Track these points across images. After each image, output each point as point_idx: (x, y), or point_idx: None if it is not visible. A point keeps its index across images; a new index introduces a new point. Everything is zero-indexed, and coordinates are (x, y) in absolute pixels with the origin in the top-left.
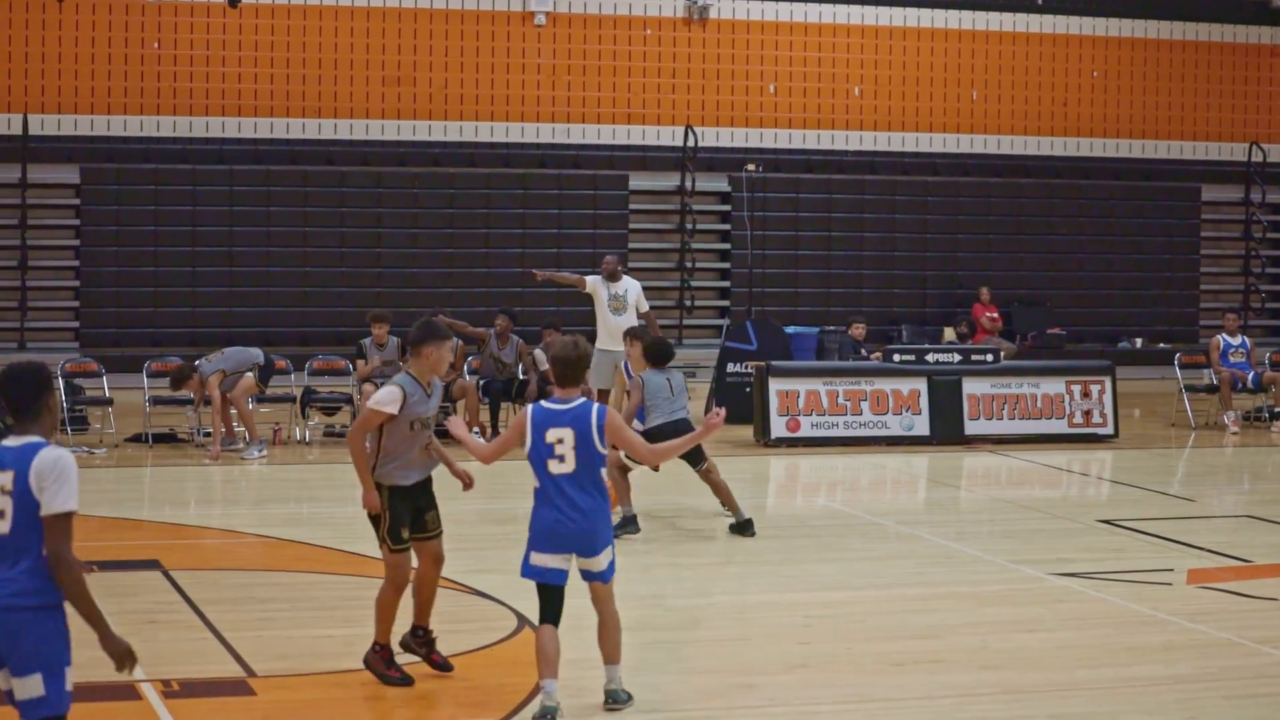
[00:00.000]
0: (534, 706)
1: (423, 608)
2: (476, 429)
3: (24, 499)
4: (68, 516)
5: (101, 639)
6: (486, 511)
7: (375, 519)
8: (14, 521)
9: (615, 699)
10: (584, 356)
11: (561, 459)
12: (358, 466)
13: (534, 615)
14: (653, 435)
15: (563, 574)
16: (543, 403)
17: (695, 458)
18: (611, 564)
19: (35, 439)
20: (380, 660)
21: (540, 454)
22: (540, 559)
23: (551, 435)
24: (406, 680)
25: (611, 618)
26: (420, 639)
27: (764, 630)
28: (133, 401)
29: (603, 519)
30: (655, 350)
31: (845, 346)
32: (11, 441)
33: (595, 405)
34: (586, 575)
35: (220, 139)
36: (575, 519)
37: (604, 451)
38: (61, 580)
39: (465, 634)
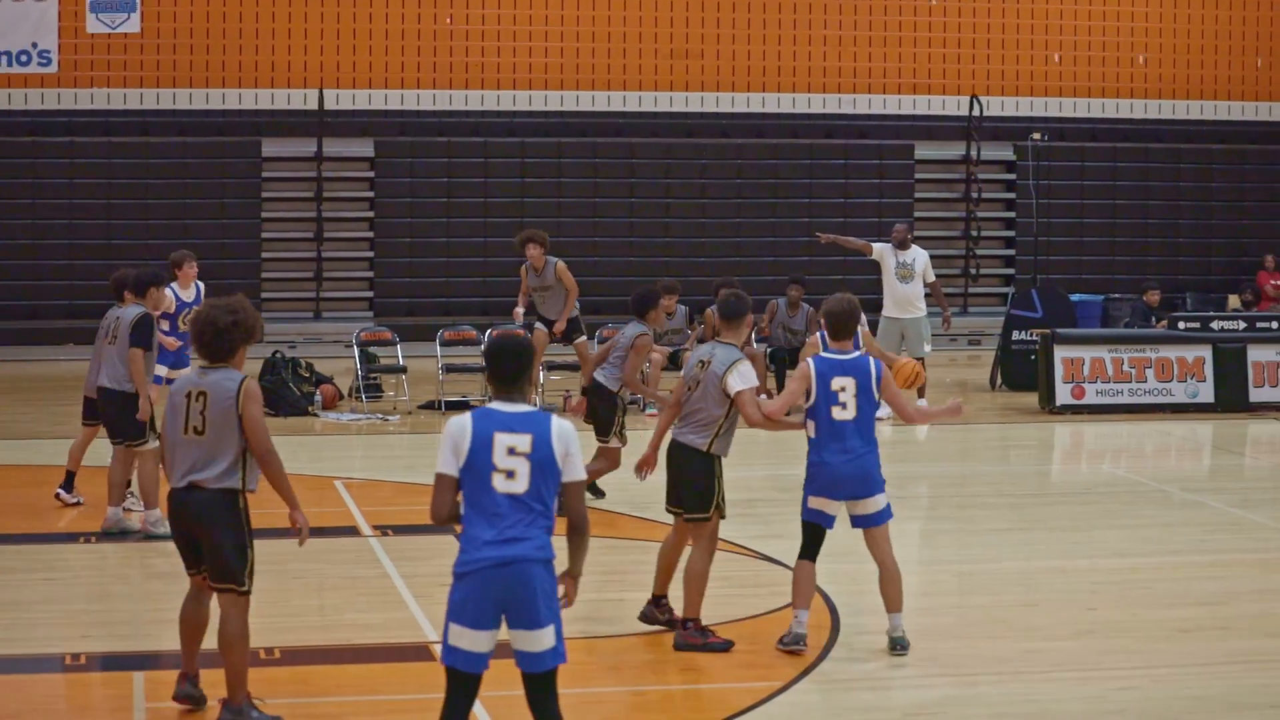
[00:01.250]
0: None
1: (668, 576)
2: (764, 395)
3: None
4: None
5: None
6: (774, 478)
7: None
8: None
9: (900, 645)
10: (855, 310)
11: (844, 406)
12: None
13: (821, 580)
14: None
15: (832, 519)
16: (823, 354)
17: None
18: (887, 508)
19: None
20: (697, 634)
21: (825, 401)
22: (818, 503)
23: (836, 383)
24: (728, 644)
25: (891, 565)
26: (664, 608)
27: (1050, 596)
28: (426, 369)
29: (876, 465)
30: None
31: (1137, 312)
32: (508, 407)
33: (871, 358)
34: (861, 522)
35: (511, 112)
36: (855, 463)
37: (879, 401)
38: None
39: (756, 599)
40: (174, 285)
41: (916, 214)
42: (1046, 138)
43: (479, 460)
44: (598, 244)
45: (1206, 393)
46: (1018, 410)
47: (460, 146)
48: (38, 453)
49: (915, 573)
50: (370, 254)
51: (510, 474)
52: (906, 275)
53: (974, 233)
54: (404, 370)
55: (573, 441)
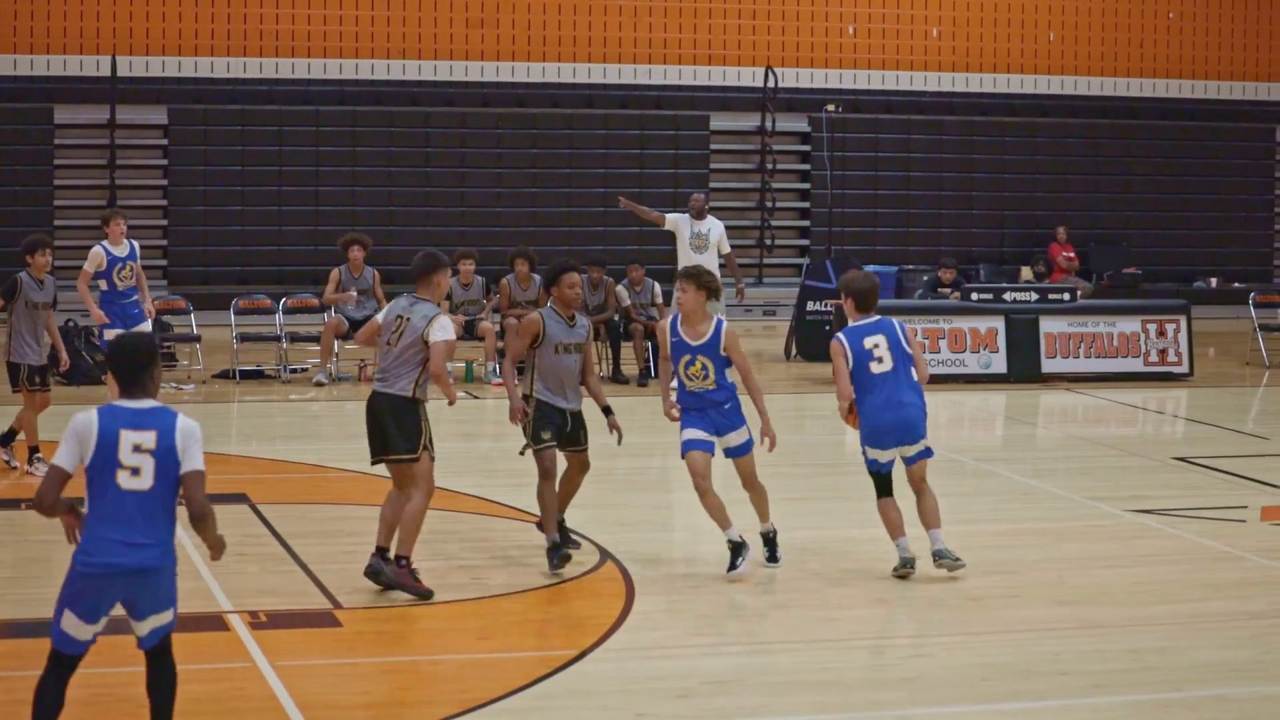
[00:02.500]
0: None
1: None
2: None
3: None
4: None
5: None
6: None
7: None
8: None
9: (943, 556)
10: (877, 284)
11: (880, 360)
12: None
13: (616, 549)
14: None
15: (891, 463)
16: (850, 325)
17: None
18: (929, 447)
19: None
20: (408, 574)
21: (862, 359)
22: (876, 454)
23: (868, 342)
24: (429, 593)
25: (929, 493)
26: (388, 560)
27: (845, 565)
28: (220, 339)
29: (921, 411)
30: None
31: (931, 284)
32: (134, 404)
33: (893, 319)
34: (906, 460)
35: (306, 80)
36: (902, 408)
37: (910, 352)
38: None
39: (546, 568)
40: (105, 243)
41: (712, 184)
42: (841, 109)
43: (104, 457)
44: (393, 213)
45: (999, 363)
46: (812, 380)
47: (255, 114)
48: None
49: (708, 543)
50: (164, 222)
51: (135, 470)
52: (701, 246)
53: (769, 204)
54: (198, 339)
55: (193, 436)
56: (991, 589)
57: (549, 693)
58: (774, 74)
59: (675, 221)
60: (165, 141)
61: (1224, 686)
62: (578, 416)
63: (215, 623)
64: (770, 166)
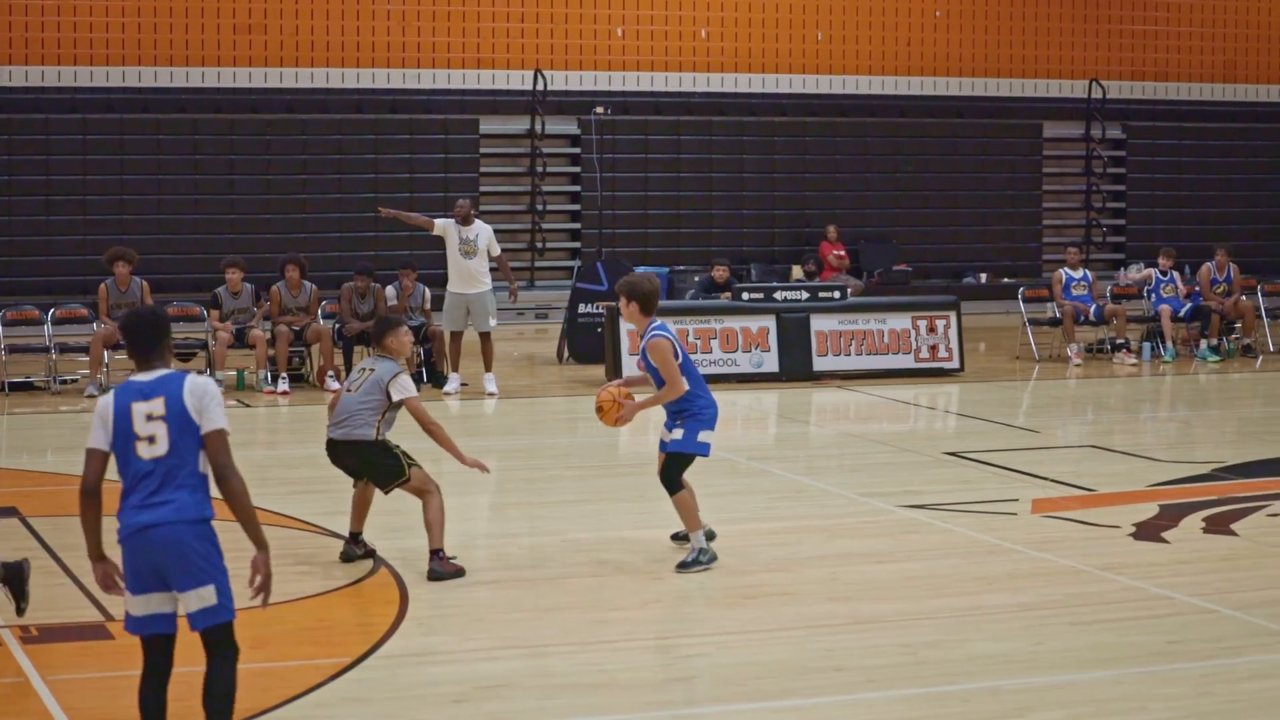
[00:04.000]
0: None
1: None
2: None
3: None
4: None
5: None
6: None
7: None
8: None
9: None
10: (658, 285)
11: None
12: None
13: (389, 554)
14: None
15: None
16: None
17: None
18: None
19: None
20: (444, 559)
21: (686, 355)
22: (708, 436)
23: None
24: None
25: None
26: (360, 543)
27: (619, 566)
28: None
29: None
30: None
31: (703, 284)
32: (144, 376)
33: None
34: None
35: (73, 88)
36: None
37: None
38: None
39: (321, 576)
40: None
41: (483, 188)
42: (610, 111)
43: (122, 432)
44: (162, 221)
45: (771, 362)
46: (585, 383)
47: (20, 123)
48: None
49: (484, 546)
50: None
51: (151, 439)
52: (470, 251)
53: (540, 206)
54: None
55: (207, 394)
56: (766, 587)
57: (324, 701)
58: (543, 76)
59: (444, 227)
60: None
61: (997, 678)
62: None
63: None
64: (540, 169)
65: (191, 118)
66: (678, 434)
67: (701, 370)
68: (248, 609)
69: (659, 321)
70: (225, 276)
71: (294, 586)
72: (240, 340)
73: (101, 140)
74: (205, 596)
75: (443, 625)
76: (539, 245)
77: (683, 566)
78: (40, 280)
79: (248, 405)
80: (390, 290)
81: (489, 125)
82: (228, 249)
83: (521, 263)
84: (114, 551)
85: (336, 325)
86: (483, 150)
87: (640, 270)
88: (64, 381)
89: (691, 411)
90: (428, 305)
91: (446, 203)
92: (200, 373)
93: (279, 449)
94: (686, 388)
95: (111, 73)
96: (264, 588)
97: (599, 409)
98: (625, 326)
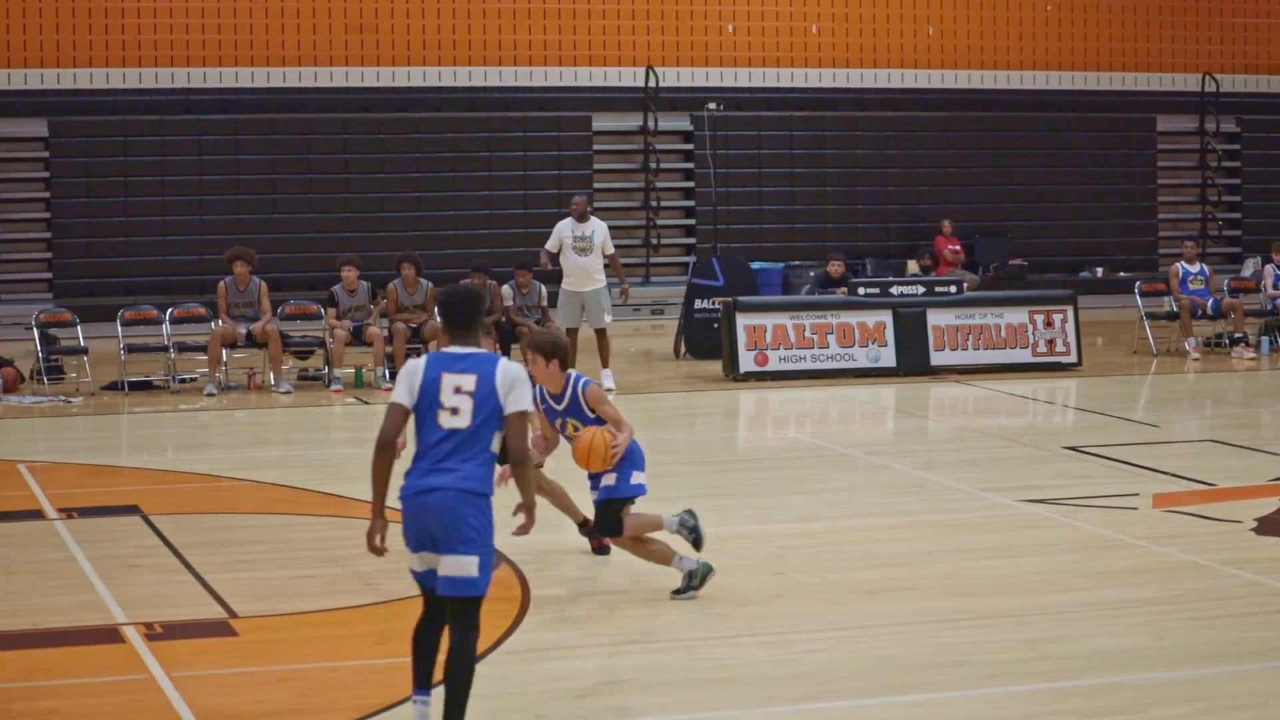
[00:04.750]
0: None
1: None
2: None
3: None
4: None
5: None
6: None
7: None
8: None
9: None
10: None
11: None
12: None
13: (510, 551)
14: None
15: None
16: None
17: None
18: None
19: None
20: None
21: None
22: (641, 477)
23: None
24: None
25: None
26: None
27: (739, 561)
28: (107, 350)
29: None
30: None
31: (819, 280)
32: (458, 350)
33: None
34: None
35: (186, 89)
36: None
37: None
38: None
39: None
40: None
41: (596, 185)
42: (722, 107)
43: (427, 398)
44: (277, 221)
45: (888, 357)
46: (702, 378)
47: (136, 125)
48: None
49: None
50: (47, 235)
51: (455, 410)
52: (584, 248)
53: (654, 203)
54: (85, 351)
55: (518, 379)
56: (887, 582)
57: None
58: (655, 73)
59: (558, 228)
60: (46, 154)
61: (1119, 674)
62: None
63: (109, 635)
64: (654, 166)
65: (306, 118)
66: (610, 479)
67: (818, 366)
68: (370, 604)
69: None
70: (341, 275)
71: (412, 584)
72: (357, 338)
73: (217, 141)
74: (466, 566)
75: (564, 621)
76: (654, 241)
77: (677, 593)
78: (158, 280)
79: (365, 402)
80: (506, 289)
81: (602, 122)
82: (343, 248)
83: (637, 259)
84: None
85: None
86: (596, 147)
87: (756, 267)
88: (183, 380)
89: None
90: (544, 302)
91: (560, 200)
92: (318, 371)
93: None
94: (626, 423)
95: (225, 74)
96: (526, 530)
97: (585, 450)
98: (741, 322)
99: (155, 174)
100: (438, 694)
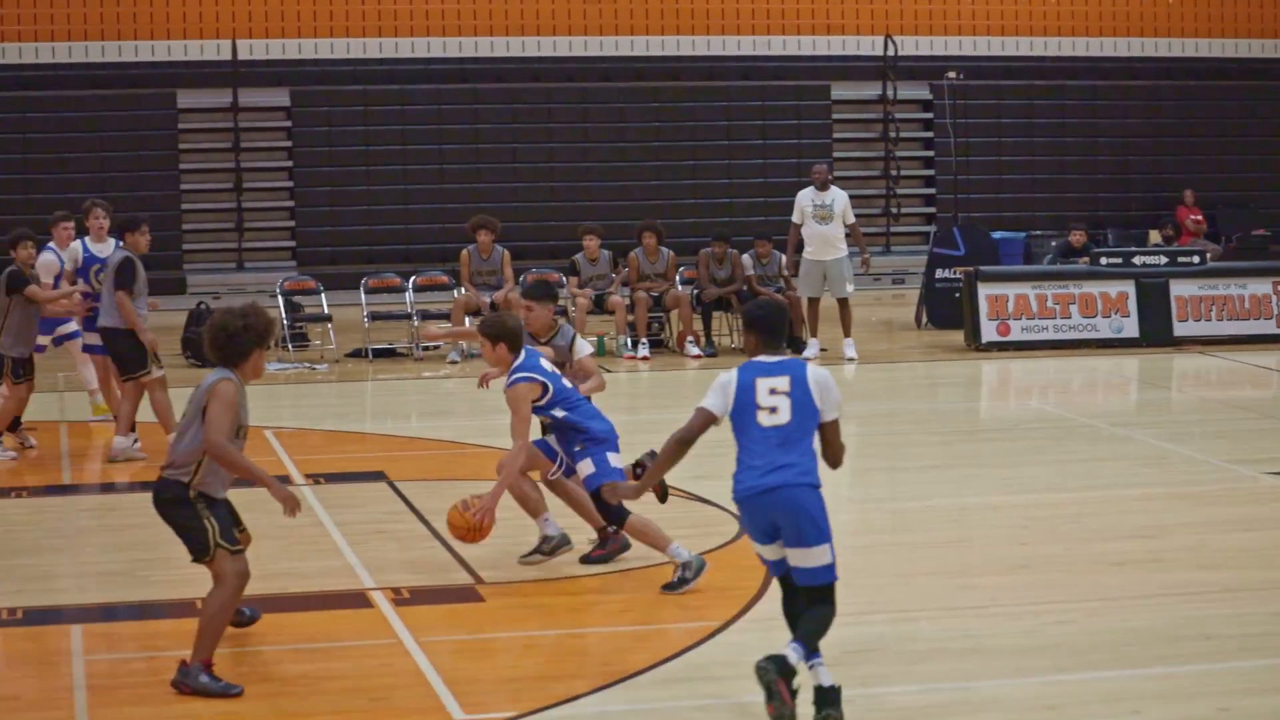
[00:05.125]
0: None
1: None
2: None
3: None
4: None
5: None
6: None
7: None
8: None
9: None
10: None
11: None
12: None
13: None
14: None
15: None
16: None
17: None
18: None
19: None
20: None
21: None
22: (617, 460)
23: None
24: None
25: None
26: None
27: (983, 532)
28: (351, 317)
29: None
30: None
31: (1060, 249)
32: (769, 358)
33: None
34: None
35: (426, 58)
36: None
37: None
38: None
39: (688, 539)
40: (85, 239)
41: (835, 154)
42: (962, 76)
43: (744, 401)
44: (517, 190)
45: (1131, 328)
46: (944, 348)
47: (377, 94)
48: None
49: (847, 510)
50: (290, 203)
51: (773, 410)
52: (825, 217)
53: (893, 172)
54: (329, 319)
55: (829, 386)
56: (1133, 553)
57: (693, 664)
58: (893, 42)
59: (800, 197)
60: (289, 123)
61: None
62: None
63: (358, 600)
64: (893, 135)
65: (545, 86)
66: (588, 467)
67: (1060, 336)
68: (616, 572)
69: (526, 359)
70: (583, 244)
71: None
72: (599, 306)
73: (457, 110)
74: (819, 556)
75: None
76: (894, 210)
77: (668, 588)
78: (400, 248)
79: (609, 370)
80: (746, 259)
81: (840, 91)
82: (584, 217)
83: (877, 228)
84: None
85: (694, 291)
86: (835, 116)
87: (997, 236)
88: (425, 348)
89: (589, 436)
90: (785, 271)
91: (799, 169)
92: None
93: (640, 414)
94: (523, 447)
95: (465, 43)
96: None
97: (452, 525)
98: (983, 291)
99: (396, 143)
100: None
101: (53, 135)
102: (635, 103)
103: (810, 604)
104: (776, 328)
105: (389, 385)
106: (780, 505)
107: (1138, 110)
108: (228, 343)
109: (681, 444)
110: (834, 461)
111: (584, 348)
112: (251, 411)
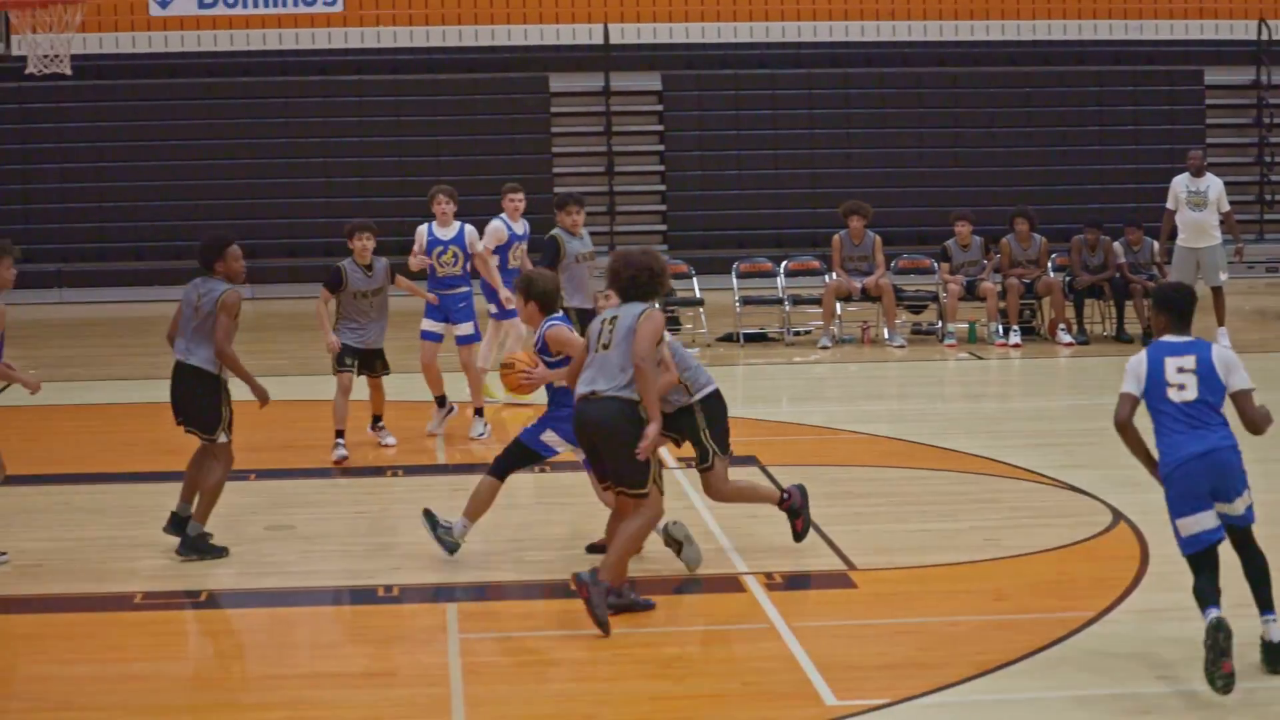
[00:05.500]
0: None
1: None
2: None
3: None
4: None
5: None
6: (1075, 408)
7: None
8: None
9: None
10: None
11: None
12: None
13: (1129, 509)
14: None
15: None
16: None
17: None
18: None
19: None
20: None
21: None
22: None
23: None
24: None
25: None
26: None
27: None
28: (722, 302)
29: None
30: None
31: None
32: (1175, 339)
33: None
34: None
35: (797, 43)
36: None
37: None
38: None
39: (1060, 528)
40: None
41: (1209, 140)
42: None
43: (1155, 379)
44: (888, 174)
45: None
46: None
47: (747, 79)
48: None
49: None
50: (662, 187)
51: (1181, 387)
52: (1199, 203)
53: (1267, 159)
54: (701, 303)
55: (1231, 361)
56: None
57: (1066, 655)
58: (1267, 26)
59: (1174, 184)
60: (660, 108)
61: None
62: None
63: (731, 584)
64: (1267, 121)
65: (914, 71)
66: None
67: None
68: (989, 560)
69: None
70: (954, 230)
71: (1033, 539)
72: (970, 293)
73: (827, 95)
74: (1245, 501)
75: (1186, 581)
76: (1267, 198)
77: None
78: (771, 233)
79: (979, 358)
80: (1118, 245)
81: (1213, 76)
82: (955, 202)
83: (1250, 215)
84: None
85: (1066, 278)
86: (1208, 102)
87: None
88: (796, 333)
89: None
90: (1157, 259)
91: (1172, 155)
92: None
93: (1011, 401)
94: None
95: (835, 27)
96: None
97: (507, 366)
98: None
99: (767, 127)
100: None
101: (425, 118)
102: (1007, 88)
103: (1240, 547)
104: (1185, 310)
105: (759, 370)
106: (1214, 466)
107: None
108: (650, 280)
109: (1123, 430)
110: (1254, 428)
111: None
112: None
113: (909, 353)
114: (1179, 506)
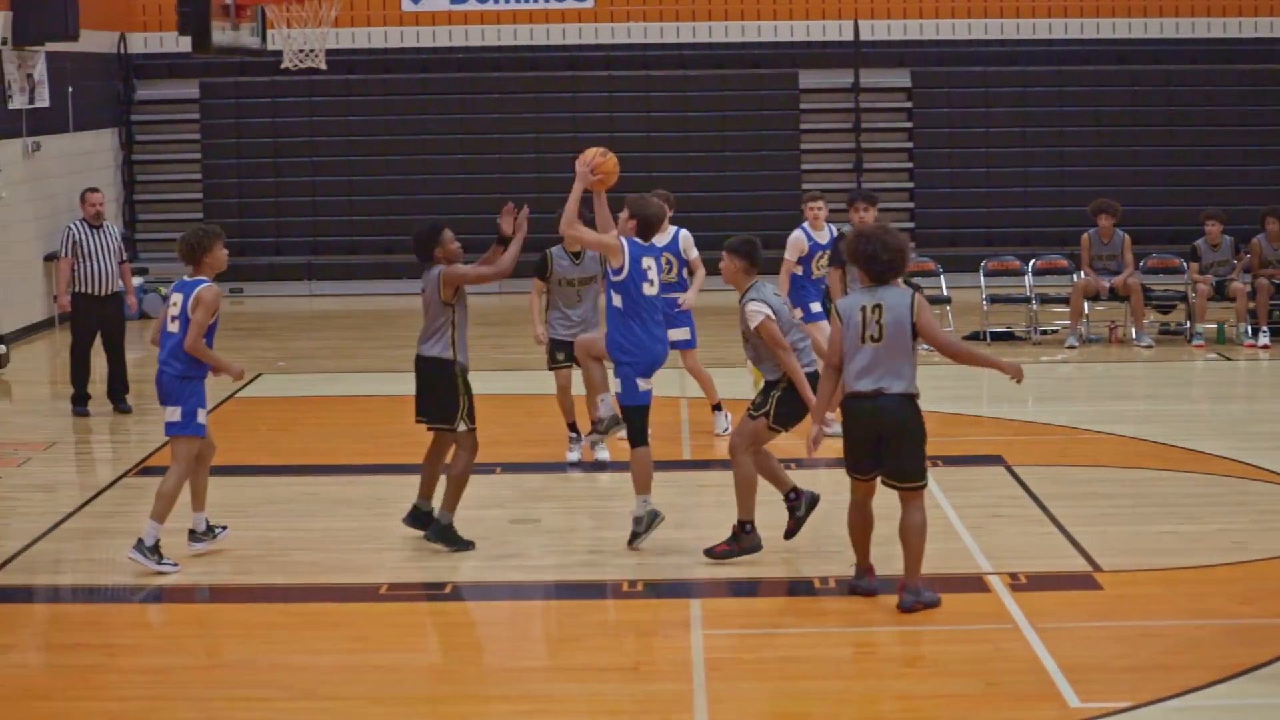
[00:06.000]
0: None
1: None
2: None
3: None
4: None
5: None
6: None
7: None
8: None
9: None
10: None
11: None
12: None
13: None
14: None
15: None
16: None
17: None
18: None
19: None
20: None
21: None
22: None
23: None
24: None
25: None
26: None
27: None
28: (969, 300)
29: None
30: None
31: None
32: None
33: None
34: None
35: (1048, 40)
36: None
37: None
38: None
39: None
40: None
41: None
42: None
43: None
44: (1138, 173)
45: None
46: None
47: (997, 76)
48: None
49: None
50: (910, 185)
51: None
52: None
53: None
54: (948, 301)
55: None
56: None
57: None
58: None
59: None
60: (909, 104)
61: None
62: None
63: (975, 584)
64: None
65: (1131, 69)
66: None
67: None
68: (1237, 563)
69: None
70: (1204, 229)
71: (1269, 543)
72: (1220, 293)
73: (1078, 92)
74: None
75: None
76: None
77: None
78: (1019, 231)
79: (1228, 359)
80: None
81: None
82: (1207, 201)
83: None
84: None
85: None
86: None
87: None
88: (1044, 332)
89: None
90: None
91: None
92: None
93: (1259, 403)
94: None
95: (1087, 25)
96: None
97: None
98: None
99: (1017, 124)
100: None
101: (674, 114)
102: (1260, 86)
103: None
104: None
105: None
106: None
107: None
108: (894, 258)
109: None
110: None
111: None
112: None
113: (1156, 353)
114: None
